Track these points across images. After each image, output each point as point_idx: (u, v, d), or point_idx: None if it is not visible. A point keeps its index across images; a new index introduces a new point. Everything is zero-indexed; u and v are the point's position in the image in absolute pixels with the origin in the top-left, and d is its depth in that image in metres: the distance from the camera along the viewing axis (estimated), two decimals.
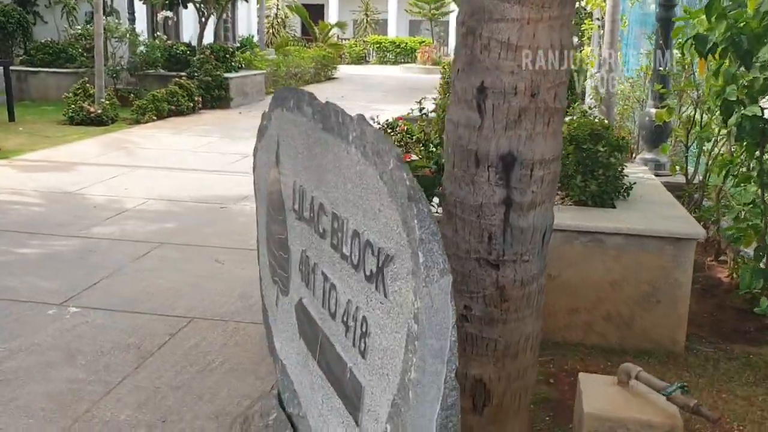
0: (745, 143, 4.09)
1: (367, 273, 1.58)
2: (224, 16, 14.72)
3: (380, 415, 1.52)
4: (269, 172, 2.37)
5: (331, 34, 24.32)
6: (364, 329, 1.61)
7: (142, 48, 13.14)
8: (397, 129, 4.94)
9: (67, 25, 14.62)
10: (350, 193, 1.68)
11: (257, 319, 3.88)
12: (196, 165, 7.95)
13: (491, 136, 2.19)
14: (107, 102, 10.97)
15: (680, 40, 4.47)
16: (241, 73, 13.71)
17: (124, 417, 2.91)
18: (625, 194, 4.14)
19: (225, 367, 3.35)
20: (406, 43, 29.81)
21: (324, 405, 1.86)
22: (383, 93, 17.35)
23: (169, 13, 14.03)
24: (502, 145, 2.19)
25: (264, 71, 14.93)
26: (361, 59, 29.40)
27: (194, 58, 13.06)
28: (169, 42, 13.77)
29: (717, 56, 4.09)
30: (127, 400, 3.03)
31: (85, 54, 13.21)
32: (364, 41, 29.61)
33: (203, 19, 14.04)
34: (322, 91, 17.10)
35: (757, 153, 4.16)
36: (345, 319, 1.72)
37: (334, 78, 20.99)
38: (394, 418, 1.44)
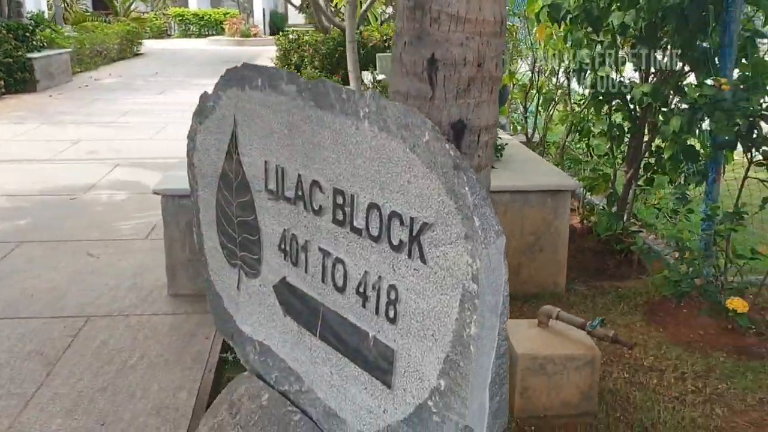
0: (596, 101, 4.57)
1: (395, 243, 1.65)
2: None
3: (426, 373, 1.61)
4: (219, 155, 2.32)
5: (133, 7, 22.91)
6: (392, 297, 1.68)
7: None
8: None
9: None
10: (360, 168, 1.73)
11: (159, 310, 3.76)
12: (24, 155, 7.27)
13: (443, 105, 2.31)
14: None
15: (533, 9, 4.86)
16: (45, 52, 12.56)
17: (56, 426, 2.72)
18: (499, 154, 4.47)
19: (145, 362, 3.22)
20: (210, 15, 28.82)
21: (335, 376, 1.91)
22: (198, 66, 16.77)
23: None
24: (453, 113, 2.32)
25: (69, 50, 13.79)
26: (162, 33, 28.00)
27: None
28: None
29: (568, 23, 4.52)
30: (51, 410, 2.83)
31: None
32: (164, 14, 28.21)
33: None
34: (132, 68, 16.25)
35: (606, 110, 4.68)
36: (362, 290, 1.78)
37: (140, 54, 19.86)
38: (449, 373, 1.54)
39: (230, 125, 2.24)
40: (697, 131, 4.01)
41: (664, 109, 4.31)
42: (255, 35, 24.76)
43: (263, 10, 29.93)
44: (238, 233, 2.30)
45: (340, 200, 1.82)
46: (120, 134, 8.43)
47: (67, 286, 4.04)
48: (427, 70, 2.33)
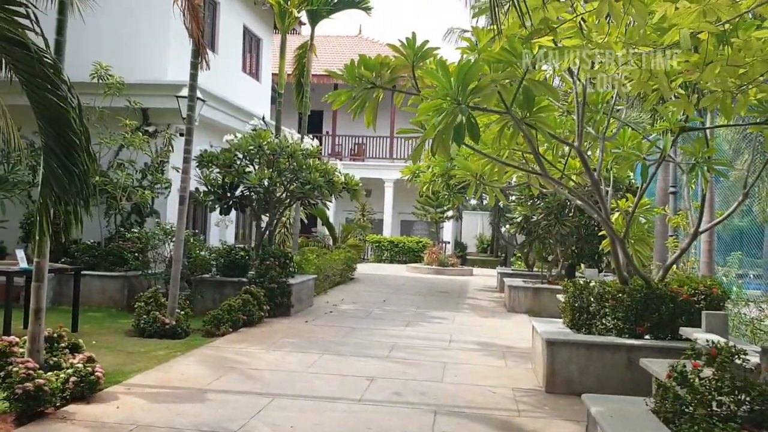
0: None
1: None
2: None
3: None
4: None
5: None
6: None
7: (204, 253, 12.69)
8: None
9: (106, 224, 14.09)
10: None
11: None
12: (331, 392, 7.23)
13: None
14: (181, 312, 10.30)
15: None
16: (298, 278, 13.28)
17: None
18: None
19: None
20: (404, 243, 30.23)
21: None
22: (418, 296, 17.05)
23: (227, 218, 13.79)
24: None
25: (315, 276, 14.56)
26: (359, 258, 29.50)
27: (255, 263, 12.66)
28: (227, 246, 13.36)
29: None
30: None
31: (139, 257, 12.70)
32: (363, 240, 29.87)
33: (259, 223, 13.86)
34: (357, 294, 16.85)
35: None
36: None
37: (353, 278, 20.73)
38: None
39: None
40: None
41: None
42: (452, 265, 25.39)
43: (452, 239, 31.14)
44: None
45: None
46: (406, 372, 8.30)
47: None
48: None
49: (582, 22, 5.69)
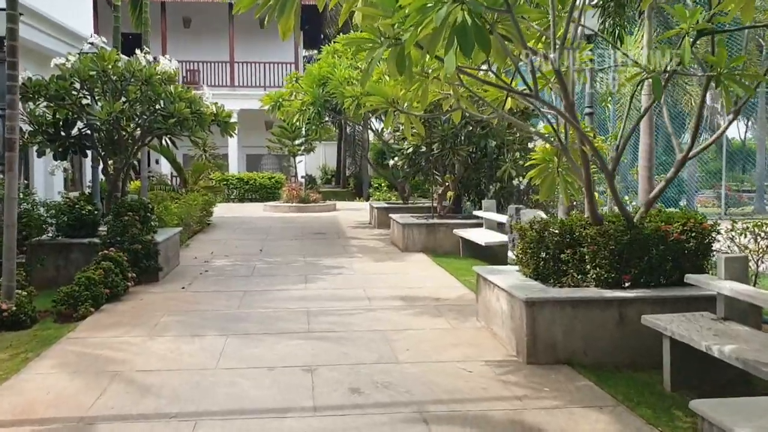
0: None
1: None
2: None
3: None
4: None
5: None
6: None
7: (41, 210, 9.90)
8: None
9: None
10: None
11: None
12: (274, 399, 5.36)
13: None
14: (23, 293, 7.77)
15: None
16: (163, 234, 10.85)
17: None
18: None
19: None
20: (255, 180, 27.87)
21: None
22: (296, 240, 15.21)
23: (65, 164, 10.96)
24: None
25: (180, 229, 12.18)
26: None
27: (108, 218, 10.13)
28: (69, 199, 10.50)
29: None
30: None
31: None
32: (209, 178, 27.08)
33: (107, 168, 11.15)
34: (228, 245, 14.70)
35: None
36: None
37: (210, 224, 18.35)
38: None
39: None
40: None
41: None
42: (314, 201, 23.56)
43: (305, 173, 29.29)
44: None
45: None
46: (346, 352, 6.53)
47: None
48: None
49: None
